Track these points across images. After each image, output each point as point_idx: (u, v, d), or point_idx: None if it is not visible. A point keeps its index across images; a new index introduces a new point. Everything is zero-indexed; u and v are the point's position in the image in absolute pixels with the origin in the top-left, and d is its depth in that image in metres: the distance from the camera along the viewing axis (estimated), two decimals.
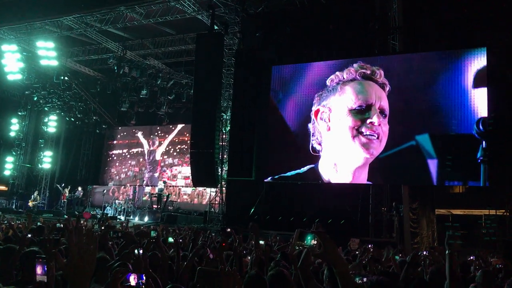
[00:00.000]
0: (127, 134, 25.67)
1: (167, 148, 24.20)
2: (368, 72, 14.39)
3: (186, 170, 22.35)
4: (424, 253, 6.71)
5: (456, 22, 14.12)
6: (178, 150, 23.96)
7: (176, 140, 24.13)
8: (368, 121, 14.00)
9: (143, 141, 24.87)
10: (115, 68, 20.85)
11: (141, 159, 24.89)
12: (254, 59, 16.42)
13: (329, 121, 14.74)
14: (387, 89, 14.13)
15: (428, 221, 15.10)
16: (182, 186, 23.08)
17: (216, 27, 16.80)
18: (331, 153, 14.68)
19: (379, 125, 13.95)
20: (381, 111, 14.02)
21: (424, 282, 3.96)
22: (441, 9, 14.42)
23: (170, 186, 22.85)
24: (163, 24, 18.67)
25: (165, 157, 24.27)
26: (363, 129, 14.08)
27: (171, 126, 23.93)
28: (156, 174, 23.98)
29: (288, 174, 15.16)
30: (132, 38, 20.92)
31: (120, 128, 25.83)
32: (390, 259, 6.08)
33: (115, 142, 25.96)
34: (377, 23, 15.21)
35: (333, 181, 14.59)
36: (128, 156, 25.35)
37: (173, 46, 20.81)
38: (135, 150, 25.17)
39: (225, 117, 17.60)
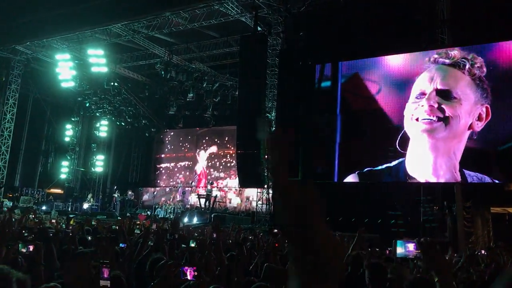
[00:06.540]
0: (174, 148, 26.25)
1: (213, 162, 24.58)
2: (442, 57, 13.98)
3: (233, 183, 22.65)
4: (482, 252, 6.45)
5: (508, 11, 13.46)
6: (223, 164, 24.25)
7: (221, 154, 24.42)
8: (422, 106, 13.80)
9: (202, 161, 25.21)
10: (162, 72, 21.29)
11: (187, 172, 25.42)
12: (298, 58, 16.33)
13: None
14: (468, 68, 13.38)
15: (483, 220, 14.50)
16: (231, 188, 23.32)
17: (259, 28, 16.84)
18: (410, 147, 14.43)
19: (438, 108, 13.52)
20: (440, 93, 13.55)
21: (487, 282, 3.80)
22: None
23: (217, 187, 23.14)
24: (207, 27, 18.91)
25: (211, 170, 24.60)
26: (419, 116, 13.91)
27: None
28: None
29: (378, 167, 14.87)
30: (178, 42, 21.33)
31: (169, 134, 26.42)
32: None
33: (163, 155, 26.54)
34: (424, 17, 14.76)
35: (418, 176, 14.29)
36: (176, 169, 25.90)
37: (217, 49, 21.04)
38: (182, 164, 25.70)
39: (270, 117, 17.61)
